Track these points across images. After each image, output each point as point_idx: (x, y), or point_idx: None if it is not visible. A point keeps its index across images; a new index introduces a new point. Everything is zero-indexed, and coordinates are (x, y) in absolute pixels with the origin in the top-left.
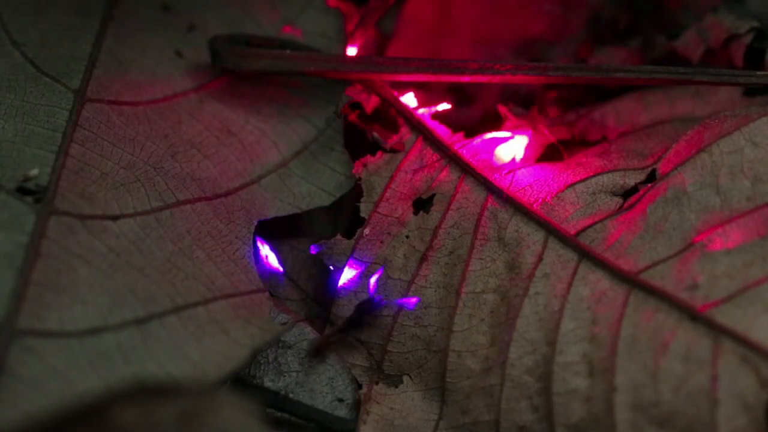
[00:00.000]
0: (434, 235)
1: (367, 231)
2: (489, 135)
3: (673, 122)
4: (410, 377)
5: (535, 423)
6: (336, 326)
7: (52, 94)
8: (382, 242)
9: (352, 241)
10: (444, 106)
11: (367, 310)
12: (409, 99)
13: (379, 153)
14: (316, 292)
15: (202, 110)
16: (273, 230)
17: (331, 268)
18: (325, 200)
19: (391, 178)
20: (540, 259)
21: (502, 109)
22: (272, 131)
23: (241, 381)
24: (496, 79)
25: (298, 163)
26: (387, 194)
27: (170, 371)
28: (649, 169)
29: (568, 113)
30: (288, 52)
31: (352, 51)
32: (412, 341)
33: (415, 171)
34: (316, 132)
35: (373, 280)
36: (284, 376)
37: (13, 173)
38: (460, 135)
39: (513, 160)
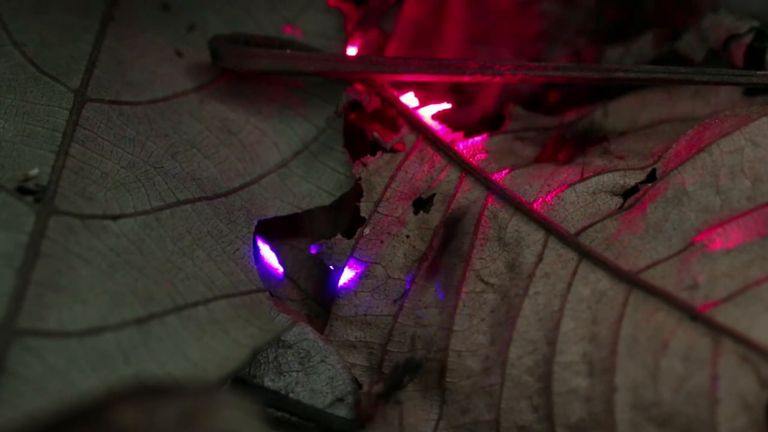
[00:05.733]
0: (434, 234)
1: (367, 231)
2: (489, 134)
3: (673, 122)
4: (410, 377)
5: (535, 423)
6: (381, 387)
7: (52, 93)
8: (382, 242)
9: (352, 241)
10: (444, 106)
11: (414, 366)
12: (410, 99)
13: (379, 153)
14: (316, 291)
15: (202, 110)
16: (273, 230)
17: (331, 267)
18: (326, 200)
19: (392, 178)
20: (540, 258)
21: (507, 110)
22: (272, 131)
23: (241, 380)
24: (496, 79)
25: (298, 162)
26: (387, 194)
27: (170, 371)
28: (649, 169)
29: (568, 113)
30: (288, 51)
31: (352, 51)
32: (412, 341)
33: (416, 171)
34: (316, 132)
35: (373, 280)
36: (284, 375)
37: (13, 173)
38: (460, 134)
39: (513, 159)
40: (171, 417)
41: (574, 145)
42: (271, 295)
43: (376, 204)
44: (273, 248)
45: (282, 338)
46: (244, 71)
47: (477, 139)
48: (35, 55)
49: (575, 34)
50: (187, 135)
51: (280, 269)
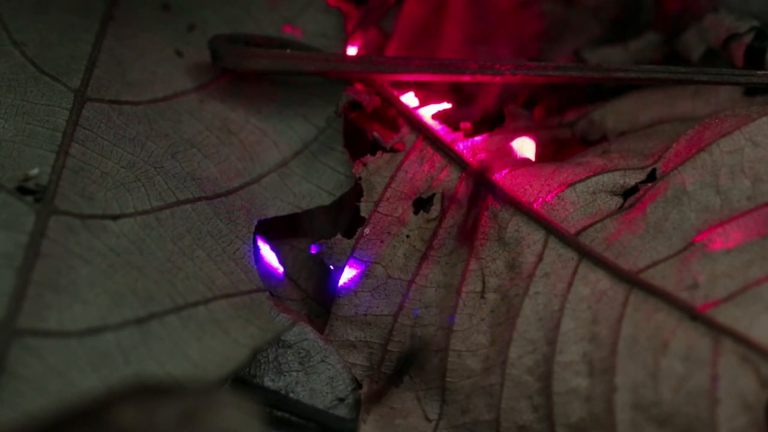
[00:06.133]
0: (434, 234)
1: (367, 230)
2: (489, 134)
3: (673, 122)
4: (410, 377)
5: (535, 422)
6: (387, 375)
7: (52, 93)
8: (382, 242)
9: (353, 241)
10: (444, 106)
11: (417, 351)
12: (410, 98)
13: (379, 152)
14: (316, 291)
15: (202, 110)
16: (273, 230)
17: (332, 267)
18: (326, 200)
19: (392, 178)
20: (540, 258)
21: (507, 110)
22: (272, 131)
23: (241, 380)
24: (496, 78)
25: (298, 162)
26: (387, 194)
27: (170, 371)
28: (650, 168)
29: (568, 113)
30: (288, 51)
31: (352, 51)
32: (413, 341)
33: (416, 170)
34: (316, 131)
35: (373, 279)
36: (284, 375)
37: (13, 173)
38: (460, 134)
39: (513, 159)
40: (171, 417)
41: (574, 145)
42: (271, 295)
43: (376, 204)
44: (273, 248)
45: (282, 338)
46: (244, 71)
47: (477, 139)
48: (35, 54)
49: (575, 34)
50: (187, 135)
51: (280, 269)
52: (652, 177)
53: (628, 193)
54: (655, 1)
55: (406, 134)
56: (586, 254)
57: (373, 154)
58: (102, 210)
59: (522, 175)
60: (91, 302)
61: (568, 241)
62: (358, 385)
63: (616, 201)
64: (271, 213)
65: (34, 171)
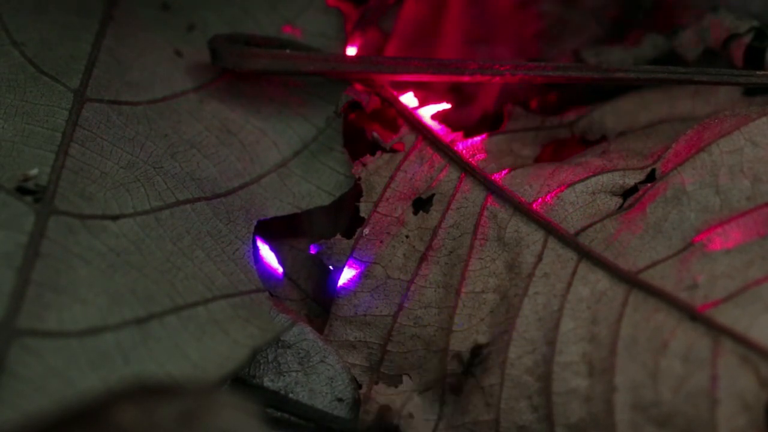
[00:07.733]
0: (434, 234)
1: (366, 231)
2: (489, 134)
3: (673, 122)
4: (410, 377)
5: (534, 423)
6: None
7: (51, 93)
8: (381, 242)
9: (352, 241)
10: (444, 106)
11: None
12: (409, 99)
13: (378, 153)
14: (315, 291)
15: (201, 110)
16: (273, 230)
17: (331, 267)
18: (325, 200)
19: (391, 178)
20: (540, 258)
21: (506, 110)
22: (272, 131)
23: (241, 381)
24: (496, 78)
25: (297, 162)
26: (387, 194)
27: (170, 371)
28: (649, 168)
29: (568, 113)
30: (288, 51)
31: (351, 51)
32: (412, 341)
33: (415, 171)
34: (315, 131)
35: (372, 279)
36: (284, 375)
37: (12, 173)
38: (460, 134)
39: (513, 159)
40: (171, 417)
41: (573, 145)
42: (271, 295)
43: (376, 204)
44: (272, 248)
45: (281, 338)
46: (244, 71)
47: (476, 139)
48: (35, 54)
49: (575, 34)
50: (187, 135)
51: (280, 269)
52: (651, 177)
53: (627, 193)
54: (655, 1)
55: (406, 134)
56: (585, 254)
57: (373, 154)
58: (101, 210)
59: (522, 175)
60: (91, 302)
61: (568, 241)
62: (358, 385)
63: (616, 201)
64: (271, 213)
65: (34, 171)
